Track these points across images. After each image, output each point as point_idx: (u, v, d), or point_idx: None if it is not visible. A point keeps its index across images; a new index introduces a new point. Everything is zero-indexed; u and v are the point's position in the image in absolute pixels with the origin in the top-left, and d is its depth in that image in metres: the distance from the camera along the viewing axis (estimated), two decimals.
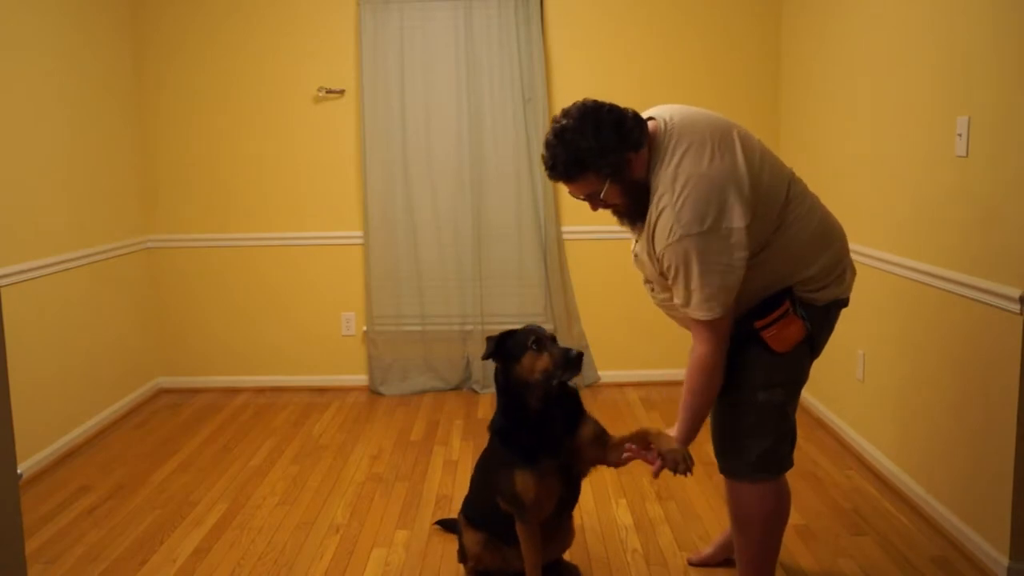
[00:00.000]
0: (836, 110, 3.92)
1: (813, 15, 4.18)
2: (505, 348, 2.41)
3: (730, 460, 2.40)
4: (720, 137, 2.21)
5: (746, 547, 2.43)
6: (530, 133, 4.64)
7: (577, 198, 2.31)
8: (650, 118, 2.27)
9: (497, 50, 4.64)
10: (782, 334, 2.24)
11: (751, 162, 2.20)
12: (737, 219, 2.14)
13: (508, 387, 2.44)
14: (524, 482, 2.40)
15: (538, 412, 2.41)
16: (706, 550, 2.86)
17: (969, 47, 2.81)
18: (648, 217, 2.21)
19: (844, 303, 2.39)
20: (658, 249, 2.18)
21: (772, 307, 2.25)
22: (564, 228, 4.76)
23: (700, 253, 2.13)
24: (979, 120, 2.75)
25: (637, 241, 2.36)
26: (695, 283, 2.15)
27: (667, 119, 2.25)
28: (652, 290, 2.43)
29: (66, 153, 4.07)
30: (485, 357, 2.44)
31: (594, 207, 2.30)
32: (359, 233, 4.83)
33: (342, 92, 4.75)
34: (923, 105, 3.11)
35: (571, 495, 2.55)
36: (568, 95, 4.66)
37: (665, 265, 2.19)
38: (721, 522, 3.11)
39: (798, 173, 2.38)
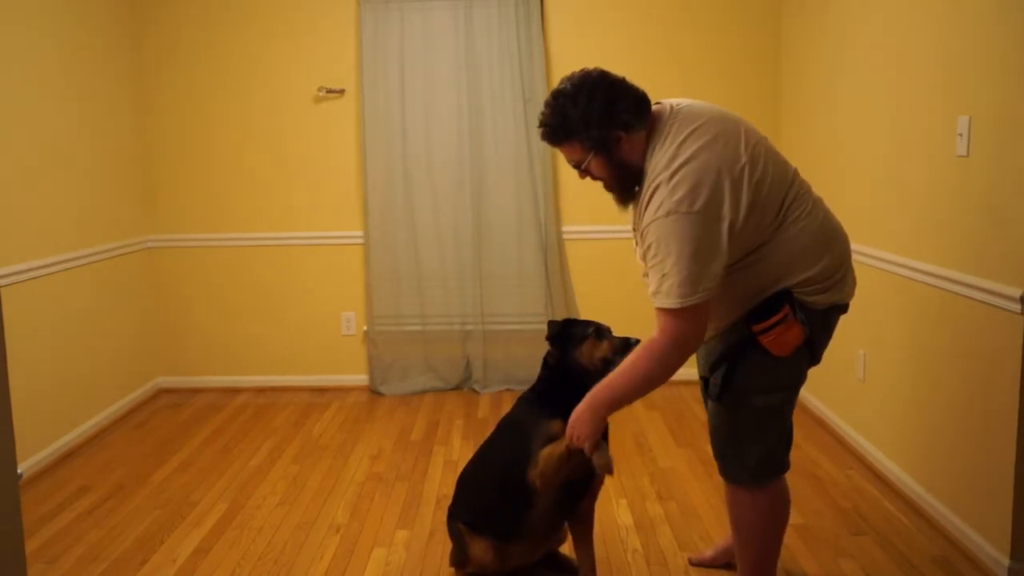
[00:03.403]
0: (836, 110, 3.92)
1: (812, 16, 4.18)
2: (567, 333, 2.53)
3: (729, 465, 2.39)
4: (725, 128, 2.19)
5: (747, 550, 2.42)
6: (530, 133, 4.63)
7: (569, 163, 2.33)
8: (658, 103, 2.28)
9: (497, 50, 4.64)
10: (781, 338, 2.19)
11: (755, 158, 2.17)
12: (729, 210, 2.10)
13: (561, 369, 2.53)
14: (562, 428, 2.40)
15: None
16: (707, 552, 2.86)
17: (970, 47, 2.81)
18: (641, 196, 2.19)
19: (844, 309, 2.34)
20: (644, 224, 2.15)
21: (771, 311, 2.20)
22: (564, 228, 4.76)
23: (686, 234, 2.07)
24: (980, 120, 2.75)
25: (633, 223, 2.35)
26: (672, 264, 2.08)
27: (673, 105, 2.26)
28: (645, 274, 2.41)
29: (66, 153, 4.06)
30: (549, 338, 2.53)
31: (580, 175, 2.33)
32: (359, 233, 4.83)
33: (342, 92, 4.75)
34: (923, 105, 3.11)
35: (587, 480, 2.54)
36: None
37: (647, 243, 2.14)
38: (721, 522, 3.11)
39: (799, 174, 2.37)
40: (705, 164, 2.11)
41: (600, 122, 2.17)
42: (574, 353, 2.51)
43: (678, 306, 2.09)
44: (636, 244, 2.32)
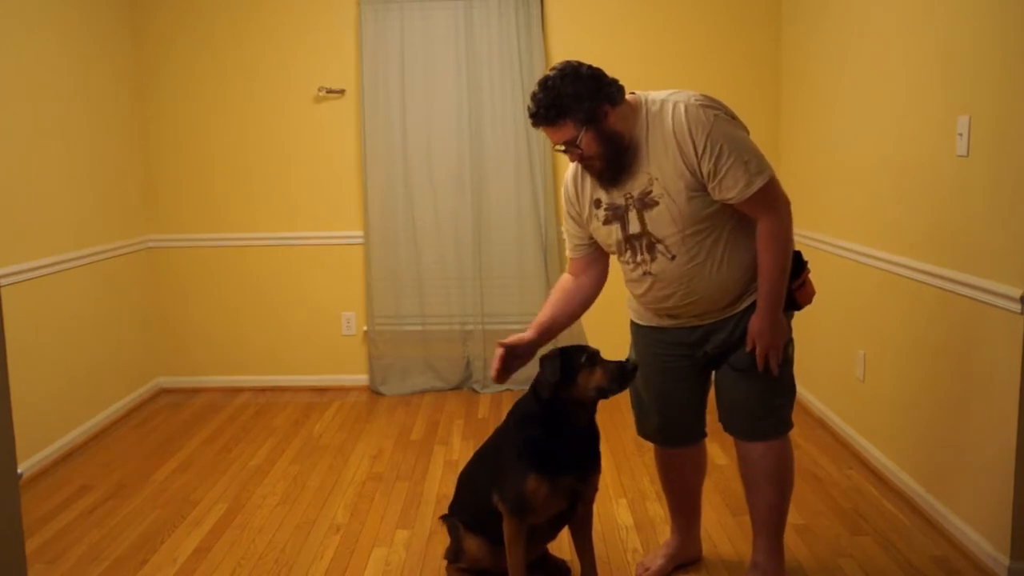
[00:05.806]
0: (836, 110, 3.92)
1: (812, 15, 4.18)
2: (563, 368, 2.38)
3: (770, 424, 2.49)
4: None
5: (779, 505, 2.52)
6: (530, 133, 4.63)
7: (558, 149, 2.40)
8: (632, 93, 2.42)
9: (497, 50, 4.64)
10: (806, 290, 2.45)
11: None
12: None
13: (555, 402, 2.39)
14: (536, 487, 2.38)
15: (577, 429, 2.43)
16: (657, 562, 2.78)
17: (970, 46, 2.81)
18: (663, 132, 2.29)
19: None
20: (700, 142, 2.26)
21: (799, 268, 2.43)
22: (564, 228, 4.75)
23: (735, 125, 2.32)
24: (980, 120, 2.75)
25: (612, 198, 2.41)
26: (748, 150, 2.28)
27: (647, 94, 2.42)
28: (642, 254, 2.42)
29: (66, 153, 4.07)
30: (552, 378, 2.35)
31: (572, 157, 2.41)
32: (359, 233, 4.83)
33: (342, 92, 4.76)
34: (923, 105, 3.11)
35: (569, 516, 2.53)
36: None
37: (715, 153, 2.25)
38: (721, 521, 3.11)
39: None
40: (709, 96, 2.35)
41: (590, 96, 2.29)
42: (570, 387, 2.36)
43: (771, 174, 2.31)
44: (631, 216, 2.39)
